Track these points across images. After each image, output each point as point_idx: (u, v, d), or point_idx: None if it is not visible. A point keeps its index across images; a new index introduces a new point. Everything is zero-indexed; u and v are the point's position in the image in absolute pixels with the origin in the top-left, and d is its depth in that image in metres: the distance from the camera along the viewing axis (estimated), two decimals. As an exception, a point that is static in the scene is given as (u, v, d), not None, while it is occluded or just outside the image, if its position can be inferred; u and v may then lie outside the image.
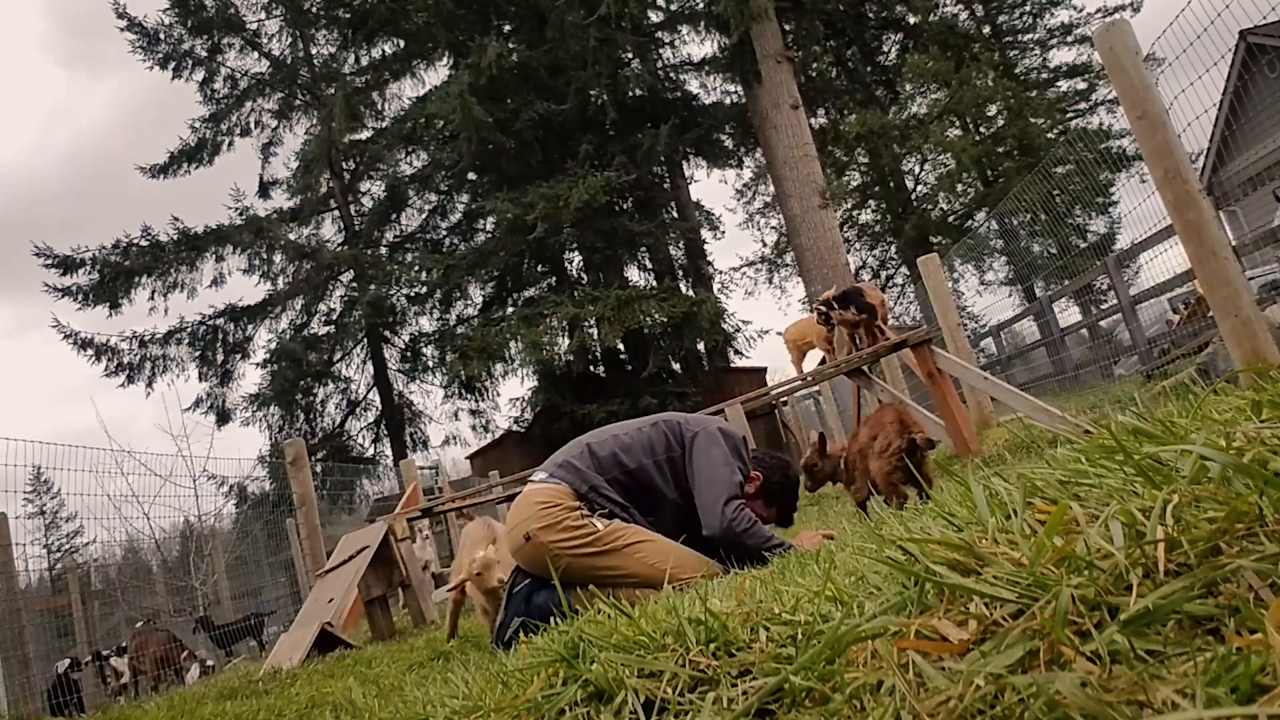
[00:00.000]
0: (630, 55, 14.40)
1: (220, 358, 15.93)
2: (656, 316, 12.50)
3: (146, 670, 7.39)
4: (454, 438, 17.28)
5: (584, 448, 2.59)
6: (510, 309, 14.47)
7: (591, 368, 13.61)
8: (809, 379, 5.67)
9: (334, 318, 16.66)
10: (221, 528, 12.34)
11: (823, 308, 5.57)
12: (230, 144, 16.91)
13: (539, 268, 14.99)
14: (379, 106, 17.50)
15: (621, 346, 13.62)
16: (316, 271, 15.91)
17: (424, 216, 17.18)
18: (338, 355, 16.53)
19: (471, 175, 15.49)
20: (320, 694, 2.81)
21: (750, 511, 2.43)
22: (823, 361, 6.15)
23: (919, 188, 21.63)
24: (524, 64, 13.47)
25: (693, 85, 15.80)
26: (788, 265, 21.62)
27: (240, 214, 15.85)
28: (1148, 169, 2.83)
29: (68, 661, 7.13)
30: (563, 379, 12.92)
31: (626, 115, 13.51)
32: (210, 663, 7.98)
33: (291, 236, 16.31)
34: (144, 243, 15.05)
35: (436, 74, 16.78)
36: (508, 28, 14.59)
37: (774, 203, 19.72)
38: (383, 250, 16.65)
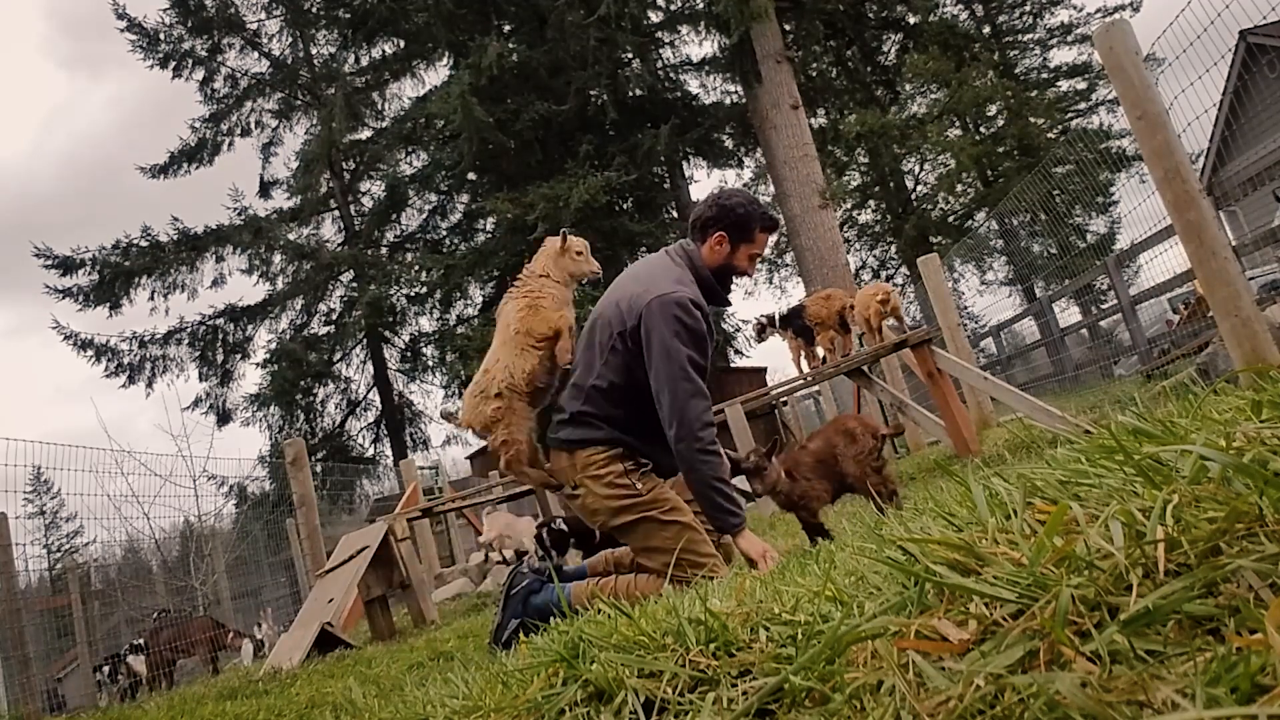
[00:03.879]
0: (630, 55, 14.41)
1: (220, 358, 15.92)
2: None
3: (197, 655, 7.57)
4: (454, 438, 17.32)
5: (572, 390, 2.57)
6: (510, 310, 14.45)
7: (591, 368, 13.61)
8: (809, 379, 5.68)
9: (334, 318, 16.66)
10: (221, 528, 12.35)
11: (762, 320, 5.57)
12: (230, 144, 16.92)
13: (539, 268, 14.98)
14: (379, 106, 17.51)
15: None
16: (316, 271, 15.91)
17: (424, 216, 17.19)
18: (338, 355, 16.53)
19: (471, 175, 15.49)
20: (320, 694, 2.81)
21: (714, 438, 2.30)
22: (823, 361, 6.14)
23: (919, 188, 21.63)
24: (524, 64, 13.47)
25: (693, 85, 15.82)
26: (788, 265, 21.59)
27: (240, 214, 15.84)
28: (1148, 169, 2.83)
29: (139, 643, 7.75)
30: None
31: (626, 115, 13.51)
32: (261, 638, 8.15)
33: (291, 236, 16.31)
34: (144, 243, 15.05)
35: (436, 74, 16.80)
36: (508, 28, 14.59)
37: (774, 203, 19.69)
38: (383, 250, 16.65)
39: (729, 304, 2.64)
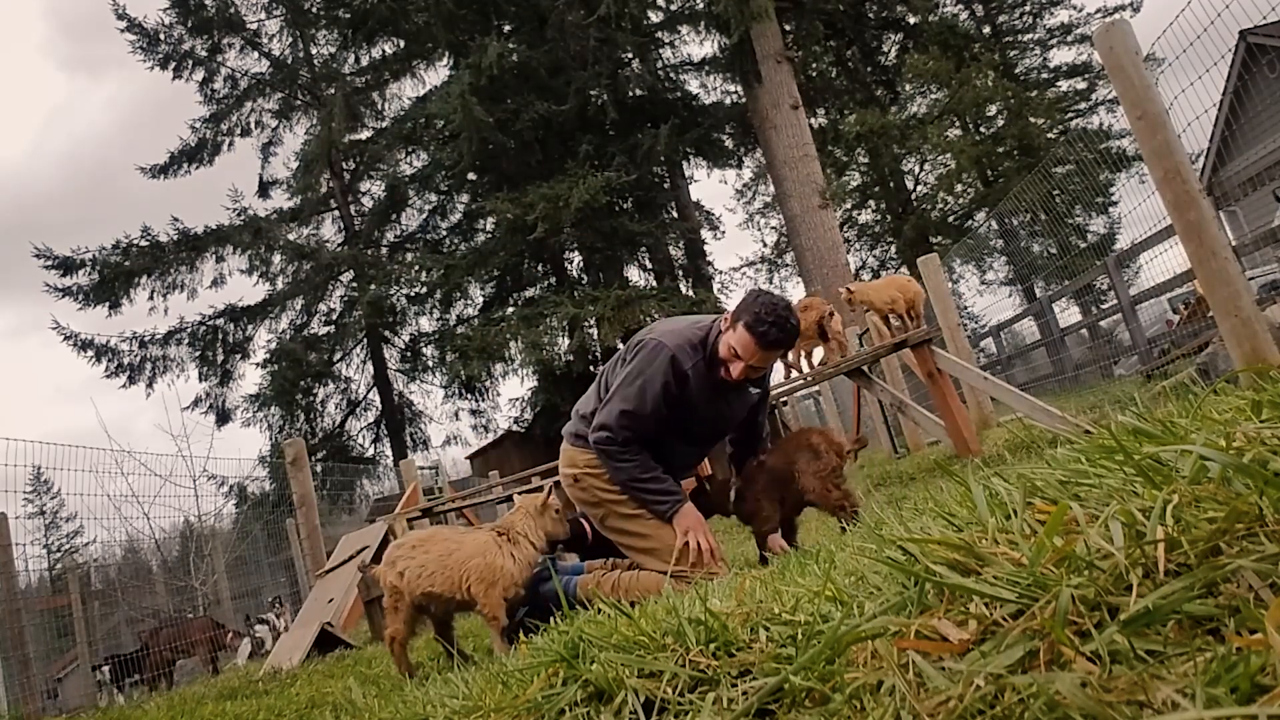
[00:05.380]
0: (630, 55, 14.41)
1: (220, 358, 15.93)
2: (656, 316, 12.51)
3: (198, 656, 7.61)
4: (454, 438, 17.32)
5: (578, 414, 2.69)
6: (510, 309, 14.48)
7: (591, 368, 13.62)
8: (809, 379, 5.67)
9: (334, 318, 16.67)
10: (221, 528, 12.34)
11: None
12: (230, 144, 16.94)
13: (539, 268, 15.00)
14: (379, 106, 17.52)
15: (621, 346, 13.61)
16: (316, 271, 15.91)
17: (424, 216, 17.19)
18: (338, 355, 16.53)
19: (471, 175, 15.49)
20: (320, 694, 2.81)
21: (620, 449, 2.40)
22: (823, 361, 6.14)
23: (919, 188, 21.61)
24: (524, 64, 13.47)
25: (693, 85, 15.82)
26: (788, 265, 21.60)
27: (240, 214, 15.86)
28: (1148, 169, 2.83)
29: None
30: (563, 379, 12.92)
31: (626, 115, 13.51)
32: (260, 636, 8.18)
33: (291, 237, 16.31)
34: (144, 243, 15.05)
35: (436, 74, 16.81)
36: (508, 28, 14.59)
37: (774, 203, 19.71)
38: (383, 250, 16.66)
39: (727, 380, 2.45)
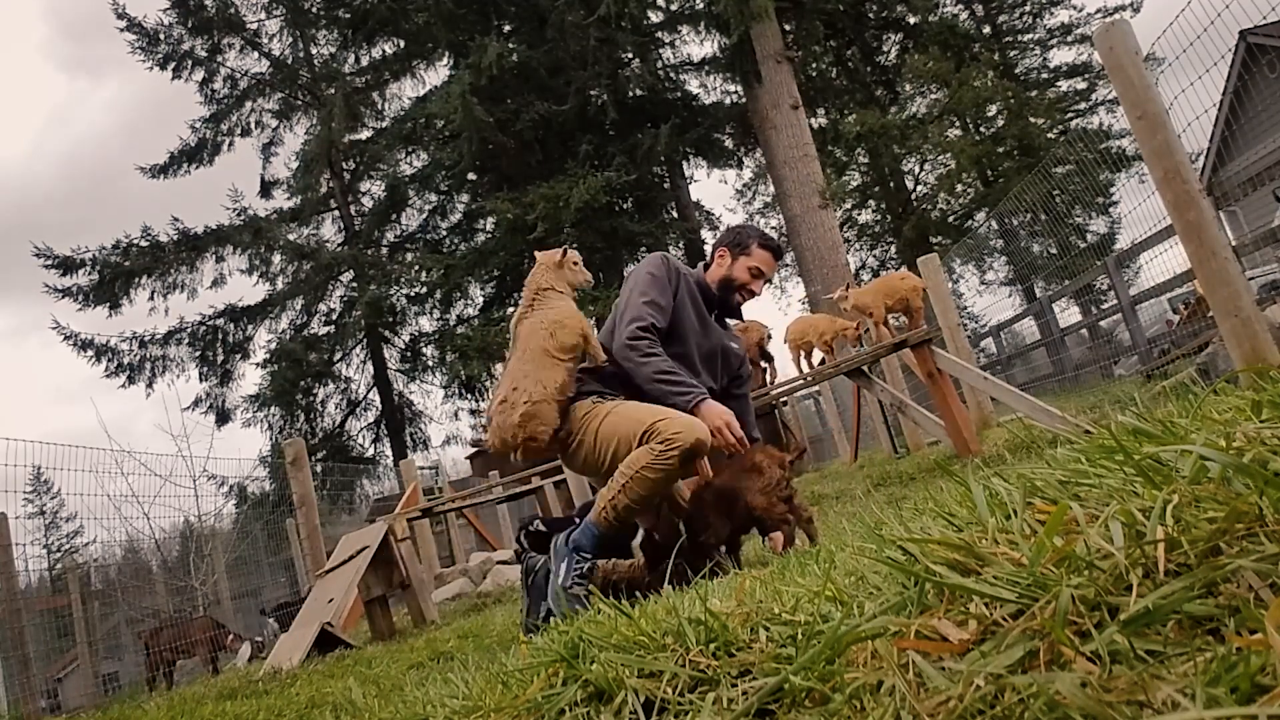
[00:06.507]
0: (630, 55, 14.41)
1: (220, 358, 15.93)
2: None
3: (198, 655, 7.63)
4: (454, 438, 17.32)
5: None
6: (510, 309, 14.48)
7: (591, 368, 13.62)
8: (809, 379, 5.68)
9: (334, 318, 16.67)
10: (221, 528, 12.34)
11: None
12: (230, 144, 16.94)
13: (539, 268, 14.98)
14: (379, 106, 17.52)
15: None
16: (316, 271, 15.92)
17: (424, 216, 17.20)
18: (338, 355, 16.53)
19: (471, 175, 15.50)
20: (320, 694, 2.81)
21: (650, 342, 2.46)
22: (822, 362, 6.14)
23: (919, 188, 21.61)
24: (524, 64, 13.48)
25: (693, 85, 15.82)
26: (788, 265, 21.58)
27: (240, 214, 15.86)
28: (1148, 169, 2.83)
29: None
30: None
31: (626, 115, 13.52)
32: (260, 640, 8.20)
33: (291, 237, 16.31)
34: (144, 243, 15.06)
35: (436, 74, 16.82)
36: (508, 28, 14.60)
37: (774, 203, 19.70)
38: (383, 250, 16.66)
39: (737, 315, 2.87)
